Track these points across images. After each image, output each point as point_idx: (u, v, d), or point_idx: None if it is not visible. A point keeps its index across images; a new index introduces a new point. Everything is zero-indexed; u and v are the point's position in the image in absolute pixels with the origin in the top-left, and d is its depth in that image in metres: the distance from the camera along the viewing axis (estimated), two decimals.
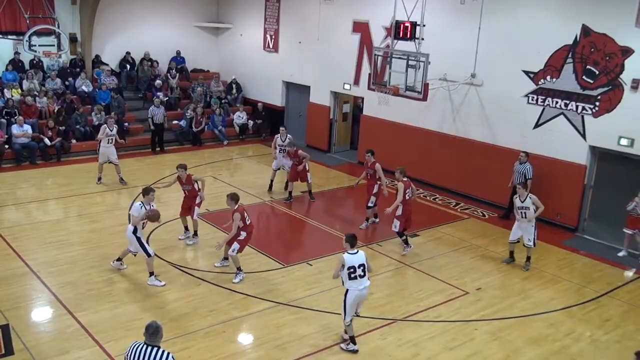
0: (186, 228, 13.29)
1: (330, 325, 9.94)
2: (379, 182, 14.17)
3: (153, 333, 6.21)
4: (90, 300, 10.36)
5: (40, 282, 10.94)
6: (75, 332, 9.42)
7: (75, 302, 10.28)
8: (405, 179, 12.92)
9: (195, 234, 13.18)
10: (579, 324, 10.52)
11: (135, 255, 11.24)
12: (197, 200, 13.03)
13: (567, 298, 11.46)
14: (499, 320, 10.50)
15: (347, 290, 9.06)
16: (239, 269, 11.36)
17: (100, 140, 16.46)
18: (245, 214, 11.20)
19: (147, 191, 11.10)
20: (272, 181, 16.61)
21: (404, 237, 13.02)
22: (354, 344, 9.25)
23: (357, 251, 9.10)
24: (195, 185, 13.03)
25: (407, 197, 12.84)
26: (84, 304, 10.22)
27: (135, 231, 10.88)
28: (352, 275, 8.95)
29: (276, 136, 16.62)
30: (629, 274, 12.82)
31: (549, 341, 9.92)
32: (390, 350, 9.37)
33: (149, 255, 10.99)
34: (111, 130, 16.49)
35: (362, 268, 9.00)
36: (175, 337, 9.31)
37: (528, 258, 12.60)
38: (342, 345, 9.34)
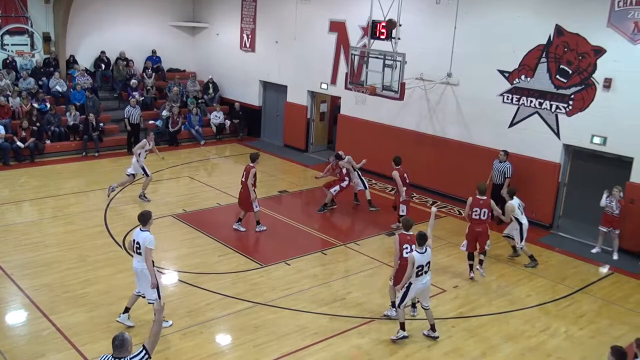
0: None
1: (308, 325, 9.95)
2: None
3: (119, 345, 6.00)
4: (66, 302, 10.23)
5: (15, 285, 10.77)
6: (51, 335, 9.30)
7: (50, 304, 10.14)
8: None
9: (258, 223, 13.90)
10: (554, 320, 10.66)
11: (139, 295, 9.65)
12: None
13: (542, 295, 11.61)
14: (476, 317, 10.60)
15: (410, 284, 9.35)
16: None
17: (140, 154, 15.46)
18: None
19: (148, 216, 9.54)
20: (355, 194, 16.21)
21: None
22: (403, 330, 9.57)
23: (426, 249, 9.33)
24: None
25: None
26: (59, 306, 10.10)
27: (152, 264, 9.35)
28: (419, 273, 9.32)
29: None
30: (603, 270, 13.02)
31: (525, 337, 10.04)
32: (369, 349, 9.40)
33: (159, 298, 9.46)
34: (149, 145, 15.80)
35: (428, 265, 9.39)
36: None
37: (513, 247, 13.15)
38: (392, 337, 9.59)
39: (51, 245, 12.59)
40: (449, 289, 11.58)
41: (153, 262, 9.31)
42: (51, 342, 9.12)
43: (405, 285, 9.33)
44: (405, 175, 14.20)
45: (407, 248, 9.88)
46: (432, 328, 9.78)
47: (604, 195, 13.23)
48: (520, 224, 12.59)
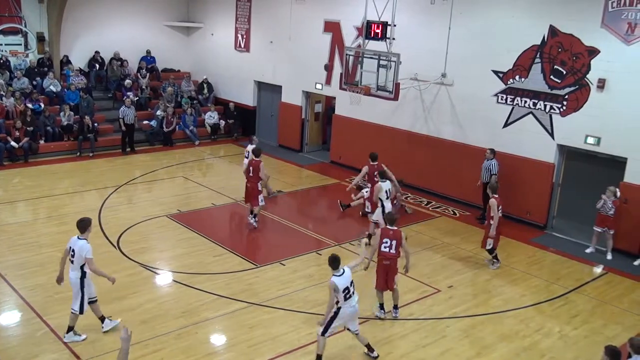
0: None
1: (303, 325, 9.94)
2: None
3: None
4: (60, 303, 10.16)
5: (8, 286, 10.73)
6: (45, 335, 9.27)
7: (44, 305, 10.11)
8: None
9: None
10: (548, 320, 10.68)
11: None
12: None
13: (536, 294, 11.63)
14: (471, 317, 10.61)
15: (339, 309, 8.60)
16: None
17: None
18: None
19: (87, 223, 9.11)
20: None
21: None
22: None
23: (343, 272, 8.60)
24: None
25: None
26: (53, 307, 10.05)
27: (84, 276, 8.98)
28: (347, 295, 8.57)
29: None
30: (597, 270, 13.06)
31: (520, 337, 10.05)
32: (363, 349, 9.39)
33: (82, 312, 9.08)
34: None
35: (352, 285, 8.65)
36: (147, 340, 9.23)
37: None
38: None
39: (45, 245, 12.55)
40: (443, 289, 11.59)
41: (85, 272, 8.90)
42: (45, 342, 9.09)
43: (333, 312, 8.60)
44: (376, 172, 13.96)
45: (386, 242, 10.03)
46: (369, 348, 9.16)
47: (602, 200, 13.25)
48: (383, 206, 12.73)
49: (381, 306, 10.38)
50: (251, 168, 13.95)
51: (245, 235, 14.22)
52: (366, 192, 15.01)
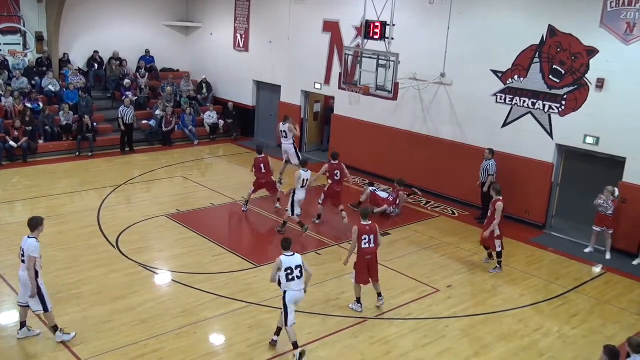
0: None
1: (302, 325, 9.91)
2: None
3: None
4: (59, 303, 10.14)
5: (7, 285, 10.74)
6: (44, 335, 9.24)
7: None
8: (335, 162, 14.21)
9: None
10: (547, 320, 10.69)
11: (25, 306, 9.05)
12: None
13: (535, 294, 11.63)
14: (470, 317, 10.62)
15: (284, 292, 8.98)
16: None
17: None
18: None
19: (38, 222, 8.99)
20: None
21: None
22: (296, 348, 8.93)
23: (293, 254, 9.02)
24: None
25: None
26: (52, 307, 10.03)
27: (37, 275, 8.80)
28: (290, 277, 8.93)
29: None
30: (596, 270, 13.06)
31: (519, 337, 10.06)
32: (363, 349, 9.40)
33: (47, 309, 8.94)
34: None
35: (299, 269, 8.97)
36: (146, 339, 9.23)
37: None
38: (295, 352, 8.91)
39: (44, 245, 12.19)
40: (442, 289, 11.59)
41: (37, 272, 8.74)
42: (44, 342, 9.08)
43: (283, 298, 8.98)
44: (336, 171, 14.24)
45: (365, 238, 10.20)
46: (277, 334, 9.30)
47: (602, 198, 13.25)
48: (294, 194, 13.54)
49: (358, 300, 10.51)
50: (264, 165, 14.77)
51: (244, 235, 14.21)
52: (371, 189, 15.77)
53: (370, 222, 10.34)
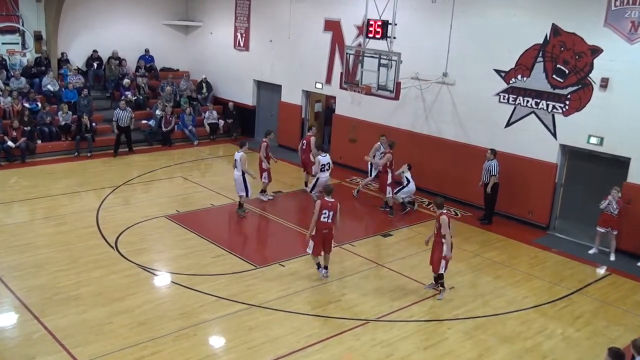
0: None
1: (303, 327, 9.84)
2: None
3: None
4: (57, 304, 10.08)
5: (5, 287, 10.61)
6: (42, 337, 9.15)
7: (41, 306, 9.99)
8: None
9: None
10: (550, 322, 10.58)
11: None
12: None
13: (539, 296, 11.52)
14: (472, 319, 10.50)
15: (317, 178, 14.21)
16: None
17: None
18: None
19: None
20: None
21: None
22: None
23: (326, 155, 14.41)
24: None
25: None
26: (50, 308, 9.94)
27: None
28: (323, 169, 14.33)
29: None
30: (600, 271, 12.95)
31: (522, 339, 9.95)
32: (364, 351, 9.30)
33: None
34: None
35: (329, 165, 14.48)
36: (145, 342, 9.13)
37: None
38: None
39: (42, 246, 12.43)
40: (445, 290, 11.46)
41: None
42: (42, 344, 8.98)
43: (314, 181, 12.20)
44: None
45: (325, 213, 11.11)
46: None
47: (608, 200, 13.09)
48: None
49: (318, 265, 11.60)
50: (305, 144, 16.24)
51: (244, 236, 14.11)
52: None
53: (333, 200, 11.26)
